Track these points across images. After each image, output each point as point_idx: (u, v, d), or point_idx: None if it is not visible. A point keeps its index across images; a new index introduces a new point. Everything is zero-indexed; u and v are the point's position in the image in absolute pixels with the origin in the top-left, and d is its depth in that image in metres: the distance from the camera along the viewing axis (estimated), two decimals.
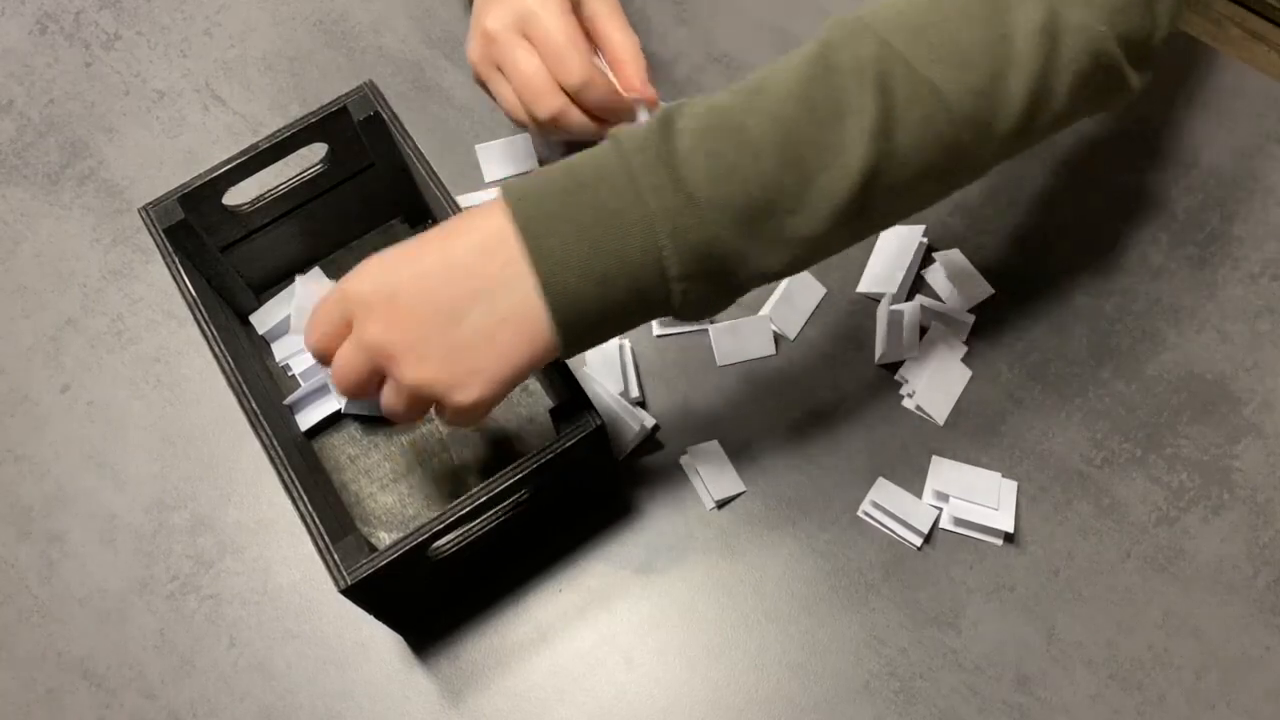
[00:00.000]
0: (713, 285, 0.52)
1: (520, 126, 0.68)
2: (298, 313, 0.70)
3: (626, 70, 0.66)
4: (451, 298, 0.51)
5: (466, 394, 0.51)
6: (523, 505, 0.61)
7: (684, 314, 0.53)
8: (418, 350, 0.51)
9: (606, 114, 0.64)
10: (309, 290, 0.70)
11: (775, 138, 0.50)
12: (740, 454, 0.68)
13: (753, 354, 0.71)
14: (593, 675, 0.64)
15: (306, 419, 0.71)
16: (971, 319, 0.70)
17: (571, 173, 0.51)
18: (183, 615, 0.68)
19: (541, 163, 0.78)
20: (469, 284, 0.51)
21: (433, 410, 0.54)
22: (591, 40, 0.67)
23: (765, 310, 0.71)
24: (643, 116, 0.66)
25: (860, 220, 0.53)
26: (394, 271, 0.52)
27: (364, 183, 0.73)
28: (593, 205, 0.50)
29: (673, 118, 0.51)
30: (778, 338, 0.71)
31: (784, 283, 0.71)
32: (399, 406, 0.53)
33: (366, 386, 0.54)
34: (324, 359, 0.54)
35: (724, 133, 0.51)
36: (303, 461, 0.64)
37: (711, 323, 0.71)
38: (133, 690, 0.66)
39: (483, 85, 0.68)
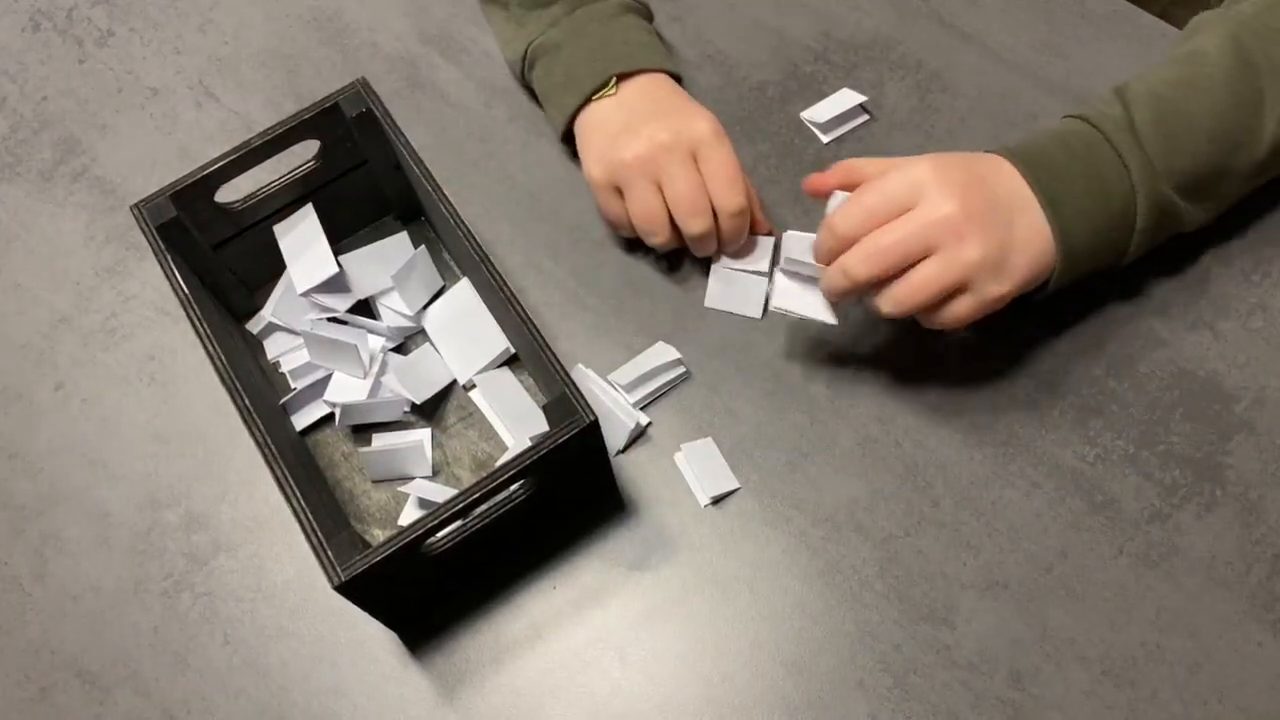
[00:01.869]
0: (1157, 233, 0.66)
1: (625, 232, 0.73)
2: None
3: (753, 207, 0.72)
4: (1004, 205, 0.62)
5: (1001, 284, 0.62)
6: (517, 501, 0.61)
7: (1126, 261, 0.66)
8: (985, 231, 0.61)
9: (732, 242, 0.72)
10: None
11: (1211, 123, 0.64)
12: (734, 451, 0.68)
13: (741, 310, 0.73)
14: (587, 672, 0.64)
15: (302, 419, 0.71)
16: None
17: (1065, 145, 0.64)
18: (177, 613, 0.68)
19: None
20: (1009, 203, 0.62)
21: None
22: None
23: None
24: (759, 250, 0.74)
25: (1259, 180, 0.68)
26: (955, 170, 0.62)
27: (357, 179, 0.73)
28: (1084, 165, 0.64)
29: (1128, 95, 0.65)
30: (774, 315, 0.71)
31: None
32: (937, 283, 0.61)
33: (907, 261, 0.61)
34: (858, 235, 0.61)
35: (1172, 117, 0.64)
36: (297, 459, 0.64)
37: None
38: (127, 688, 0.66)
39: (612, 190, 0.71)
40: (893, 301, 0.62)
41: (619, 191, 0.71)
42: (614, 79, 0.72)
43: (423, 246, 0.73)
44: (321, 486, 0.67)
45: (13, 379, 0.75)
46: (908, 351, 0.71)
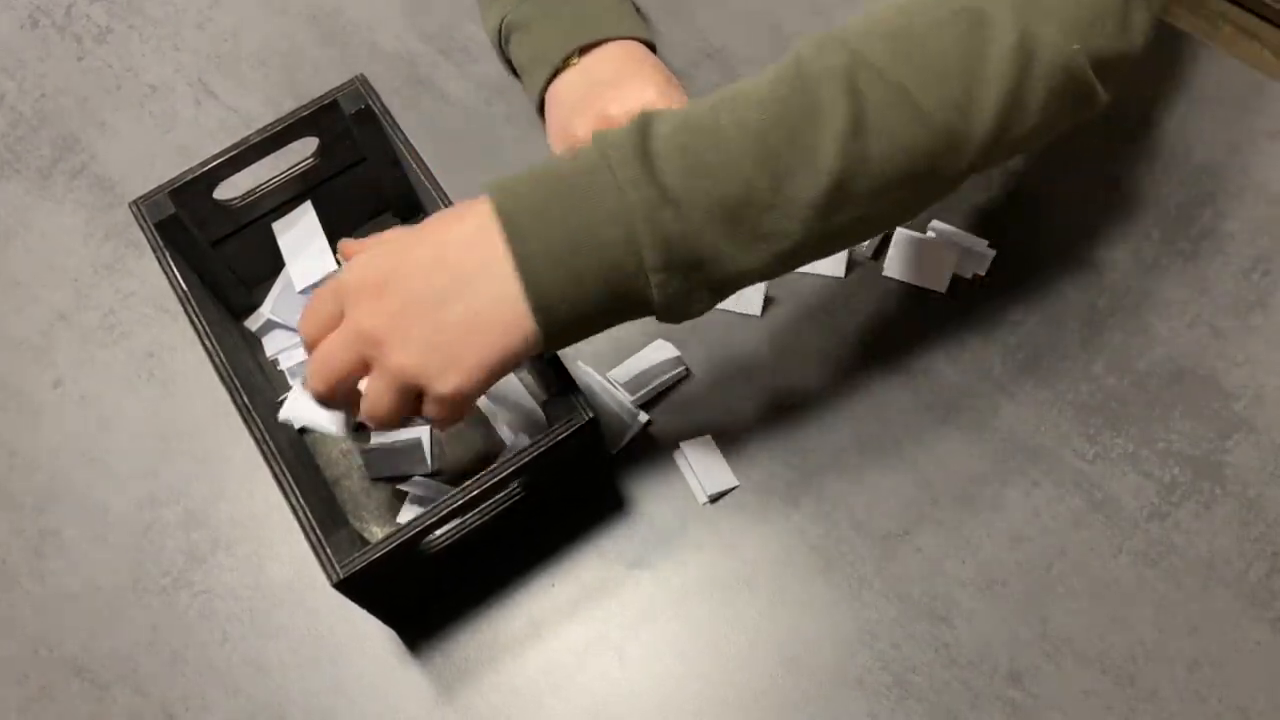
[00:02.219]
0: (690, 281, 0.53)
1: None
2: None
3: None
4: (437, 287, 0.52)
5: (448, 382, 0.52)
6: (516, 498, 0.61)
7: (664, 312, 0.54)
8: (403, 334, 0.52)
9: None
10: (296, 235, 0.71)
11: (749, 138, 0.52)
12: (733, 448, 0.68)
13: (740, 308, 0.72)
14: (585, 669, 0.64)
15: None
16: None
17: (553, 169, 0.53)
18: (175, 610, 0.67)
19: None
20: (454, 274, 0.52)
21: (422, 410, 0.55)
22: None
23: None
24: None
25: (834, 225, 0.53)
26: (385, 260, 0.53)
27: (355, 177, 0.73)
28: (572, 198, 0.51)
29: (650, 119, 0.53)
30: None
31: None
32: (385, 395, 0.53)
33: (349, 377, 0.54)
34: (313, 349, 0.55)
35: (699, 132, 0.52)
36: (295, 457, 0.64)
37: None
38: (125, 686, 0.66)
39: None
40: (365, 417, 0.55)
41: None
42: (576, 50, 0.72)
43: None
44: (320, 484, 0.67)
45: (11, 376, 0.75)
46: (907, 350, 0.70)
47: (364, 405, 0.55)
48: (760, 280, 0.56)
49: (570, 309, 0.52)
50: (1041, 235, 0.73)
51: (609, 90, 0.71)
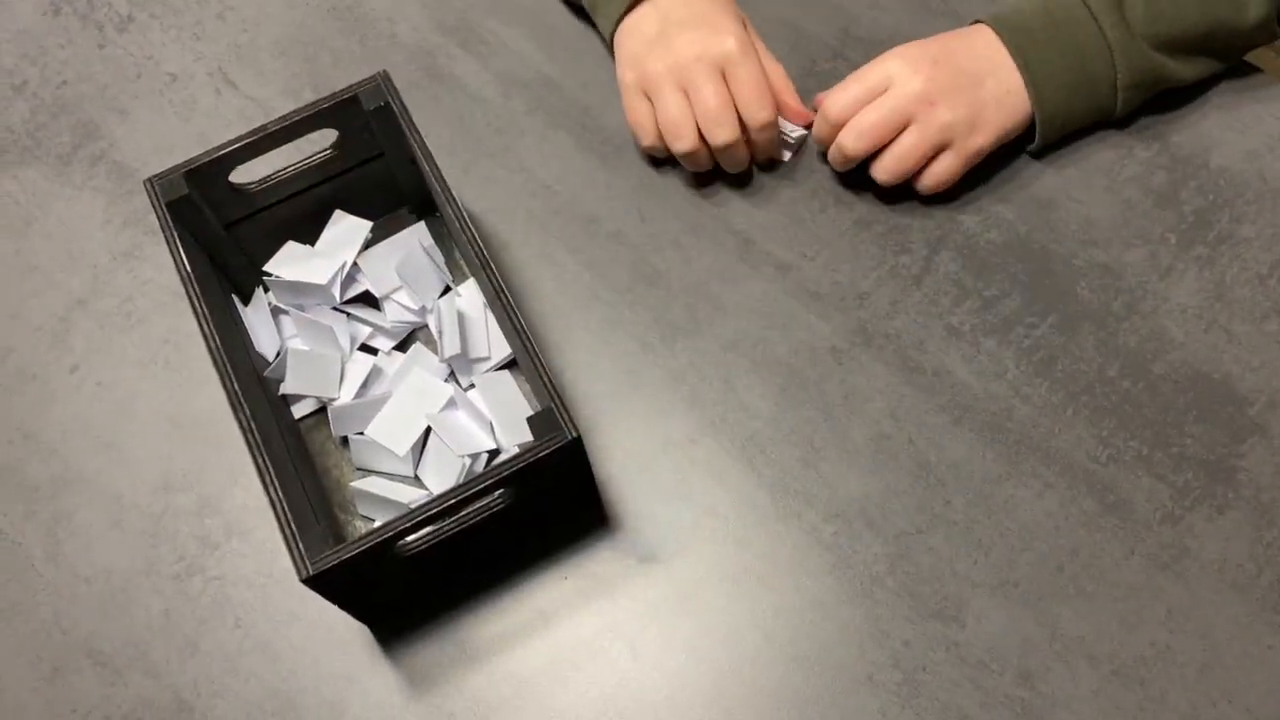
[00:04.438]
0: (1146, 91, 0.73)
1: (649, 146, 0.75)
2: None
3: (784, 98, 0.76)
4: (971, 70, 0.71)
5: (978, 138, 0.71)
6: (497, 508, 0.60)
7: (1119, 113, 0.74)
8: (952, 97, 0.70)
9: (763, 154, 0.76)
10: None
11: None
12: (747, 446, 0.69)
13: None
14: (596, 662, 0.64)
15: (301, 408, 0.71)
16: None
17: (1046, 11, 0.71)
18: (188, 596, 0.68)
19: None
20: (983, 65, 0.71)
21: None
22: None
23: None
24: (787, 156, 0.77)
25: (1247, 43, 0.74)
26: (926, 48, 0.71)
27: (372, 171, 0.73)
28: (1067, 35, 0.71)
29: None
30: None
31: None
32: (921, 145, 0.70)
33: (887, 134, 0.71)
34: (843, 119, 0.71)
35: None
36: (285, 446, 0.64)
37: None
38: (137, 670, 0.66)
39: (642, 96, 0.74)
40: (884, 170, 0.72)
41: (648, 99, 0.73)
42: None
43: (430, 241, 0.73)
44: (308, 476, 0.67)
45: (28, 360, 0.76)
46: (921, 350, 0.71)
47: (893, 156, 0.71)
48: (1198, 79, 0.75)
49: (1056, 103, 0.72)
50: (1058, 238, 0.73)
51: (685, 32, 0.72)
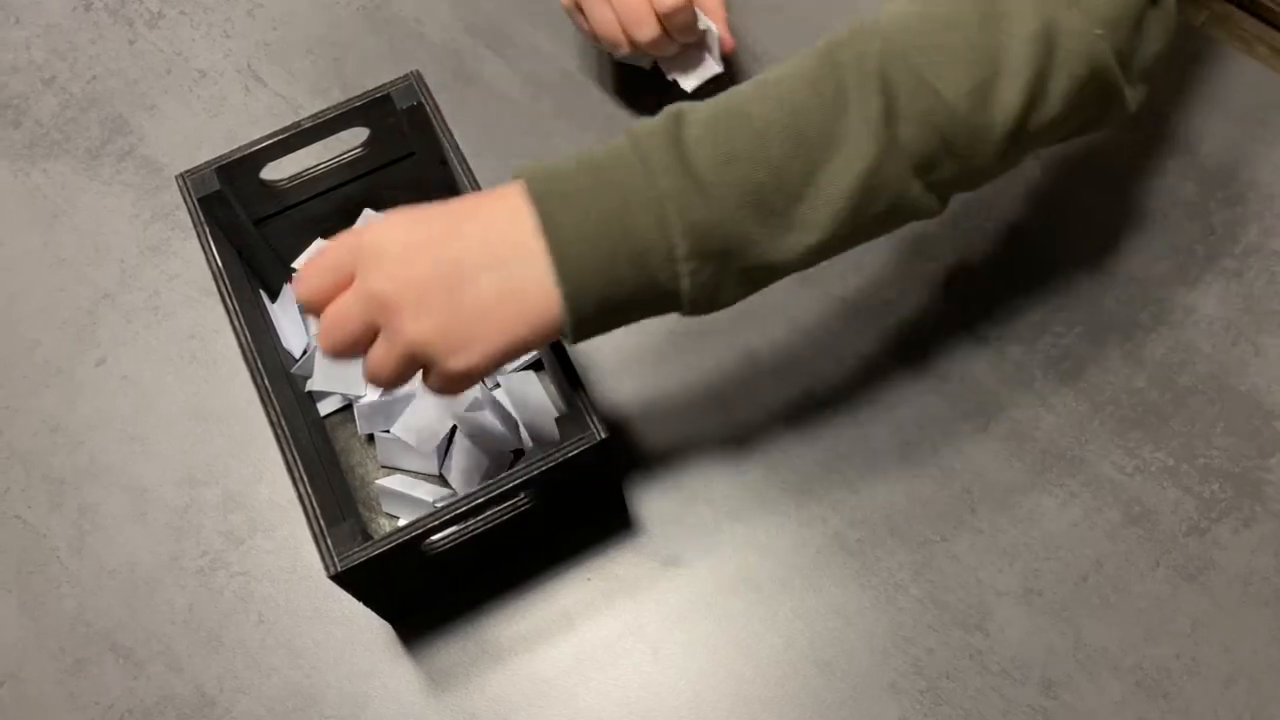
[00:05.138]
0: (720, 270, 0.52)
1: (611, 52, 0.76)
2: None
3: (706, 5, 0.76)
4: (464, 262, 0.51)
5: (460, 360, 0.51)
6: (524, 508, 0.61)
7: (692, 304, 0.53)
8: (422, 305, 0.50)
9: (682, 34, 0.73)
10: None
11: (781, 125, 0.52)
12: (771, 451, 0.69)
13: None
14: (619, 664, 0.64)
15: (328, 405, 0.72)
16: None
17: (585, 157, 0.53)
18: (212, 591, 0.68)
19: None
20: (483, 251, 0.51)
21: (419, 376, 0.53)
22: None
23: None
24: (712, 49, 0.77)
25: (865, 215, 0.53)
26: (411, 227, 0.52)
27: (403, 169, 0.73)
28: (605, 186, 0.51)
29: (683, 111, 0.53)
30: None
31: None
32: (388, 364, 0.52)
33: (358, 341, 0.52)
34: (315, 309, 0.53)
35: (731, 119, 0.52)
36: (313, 442, 0.64)
37: None
38: (160, 663, 0.66)
39: (578, 12, 0.75)
40: (368, 377, 0.54)
41: (583, 13, 0.74)
42: None
43: None
44: (334, 473, 0.67)
45: (55, 353, 0.76)
46: (948, 358, 0.71)
47: (366, 368, 0.53)
48: (790, 273, 0.55)
49: (599, 295, 0.51)
50: (1085, 249, 0.73)
51: None
